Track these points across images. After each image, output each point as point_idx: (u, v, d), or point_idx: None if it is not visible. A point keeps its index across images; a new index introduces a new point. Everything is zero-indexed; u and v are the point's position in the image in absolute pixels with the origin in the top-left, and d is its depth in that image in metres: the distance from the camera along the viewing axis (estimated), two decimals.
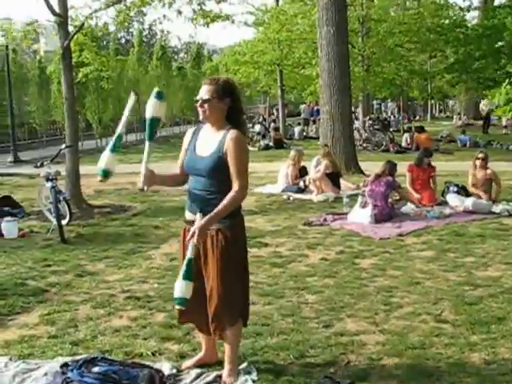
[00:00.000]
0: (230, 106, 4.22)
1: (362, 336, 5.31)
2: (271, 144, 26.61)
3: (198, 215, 4.09)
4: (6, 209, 11.78)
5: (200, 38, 75.98)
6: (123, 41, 64.83)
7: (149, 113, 4.13)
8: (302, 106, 40.30)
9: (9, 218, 10.33)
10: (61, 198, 10.30)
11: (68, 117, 11.83)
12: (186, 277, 4.07)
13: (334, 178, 13.09)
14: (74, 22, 11.72)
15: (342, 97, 16.38)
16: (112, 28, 14.58)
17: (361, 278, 7.01)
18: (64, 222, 10.45)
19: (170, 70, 35.80)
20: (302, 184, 13.50)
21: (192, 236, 4.04)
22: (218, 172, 4.14)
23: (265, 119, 39.58)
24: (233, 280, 4.23)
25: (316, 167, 13.56)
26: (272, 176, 15.69)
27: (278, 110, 35.48)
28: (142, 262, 7.94)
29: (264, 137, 28.28)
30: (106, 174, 4.10)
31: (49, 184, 10.16)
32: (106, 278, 7.27)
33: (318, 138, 23.50)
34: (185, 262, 4.13)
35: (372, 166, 16.93)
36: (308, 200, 12.59)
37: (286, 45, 27.41)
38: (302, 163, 14.19)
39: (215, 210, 4.07)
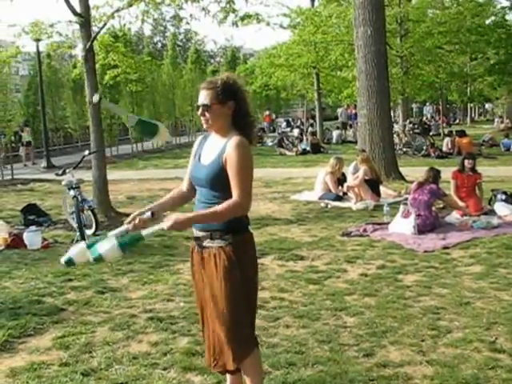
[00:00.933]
0: (235, 109, 3.69)
1: (407, 368, 4.70)
2: (308, 148, 25.99)
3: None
4: (32, 217, 11.44)
5: (236, 42, 75.83)
6: (159, 45, 64.80)
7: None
8: (340, 110, 39.58)
9: (31, 228, 9.94)
10: (85, 207, 9.87)
11: (92, 121, 11.37)
12: (121, 243, 3.61)
13: (373, 184, 12.44)
14: (98, 22, 11.22)
15: (381, 99, 15.69)
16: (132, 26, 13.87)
17: (404, 298, 6.38)
18: (90, 232, 10.05)
19: (204, 73, 35.49)
20: (340, 191, 12.89)
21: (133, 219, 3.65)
22: (218, 182, 3.60)
23: (302, 123, 39.06)
24: (239, 307, 3.66)
25: (354, 173, 12.93)
26: (309, 182, 15.12)
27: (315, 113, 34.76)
28: (169, 277, 7.42)
29: (301, 141, 27.68)
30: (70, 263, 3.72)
31: (71, 192, 9.73)
32: (128, 295, 6.77)
33: (356, 142, 22.89)
34: (134, 233, 3.67)
35: (413, 171, 16.27)
36: (347, 208, 11.97)
37: (321, 47, 26.76)
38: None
39: (202, 211, 3.60)
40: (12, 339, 5.54)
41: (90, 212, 10.09)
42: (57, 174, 10.53)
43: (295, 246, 8.88)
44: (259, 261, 8.01)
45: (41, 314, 6.14)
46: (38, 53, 22.09)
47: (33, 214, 11.59)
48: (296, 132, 30.18)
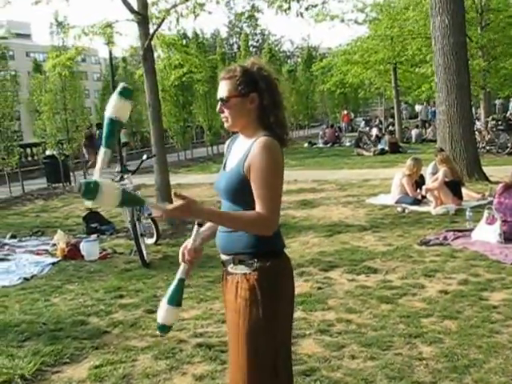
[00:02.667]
0: (260, 103, 2.99)
1: None
2: (386, 148, 24.97)
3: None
4: (94, 225, 11.07)
5: (313, 42, 75.01)
6: (235, 47, 64.68)
7: (108, 111, 2.94)
8: (419, 107, 38.25)
9: (89, 238, 9.52)
10: (145, 215, 9.35)
11: (153, 124, 10.85)
12: (170, 300, 3.02)
13: (454, 186, 11.46)
14: (156, 19, 10.69)
15: (461, 95, 14.62)
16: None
17: (491, 321, 5.50)
18: (151, 242, 9.57)
19: (279, 73, 34.84)
20: (418, 194, 11.98)
21: (183, 255, 3.04)
22: (239, 195, 2.92)
23: (381, 122, 37.95)
24: (260, 353, 2.91)
25: (433, 175, 11.99)
26: (386, 184, 14.24)
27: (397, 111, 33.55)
28: None
29: (379, 141, 26.67)
30: (164, 329, 3.15)
31: None
32: (181, 315, 6.14)
33: (436, 141, 21.77)
34: (174, 282, 3.06)
35: (497, 171, 15.17)
36: (425, 213, 11.04)
37: (398, 42, 25.63)
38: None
39: (218, 213, 2.87)
40: (45, 368, 5.02)
41: (150, 220, 9.58)
42: (112, 180, 10.04)
43: (368, 256, 8.08)
44: (327, 274, 7.36)
45: (82, 338, 5.59)
46: (111, 56, 21.88)
47: (95, 222, 11.21)
48: (374, 131, 29.15)
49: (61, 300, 6.97)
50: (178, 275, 3.02)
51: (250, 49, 48.57)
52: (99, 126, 26.36)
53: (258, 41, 71.03)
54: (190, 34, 26.22)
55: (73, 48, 11.87)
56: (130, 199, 2.84)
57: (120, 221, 11.57)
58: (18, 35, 71.77)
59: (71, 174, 20.27)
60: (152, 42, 11.03)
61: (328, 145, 31.11)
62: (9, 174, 18.46)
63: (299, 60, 48.94)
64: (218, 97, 2.99)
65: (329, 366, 4.68)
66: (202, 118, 25.68)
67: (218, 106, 2.99)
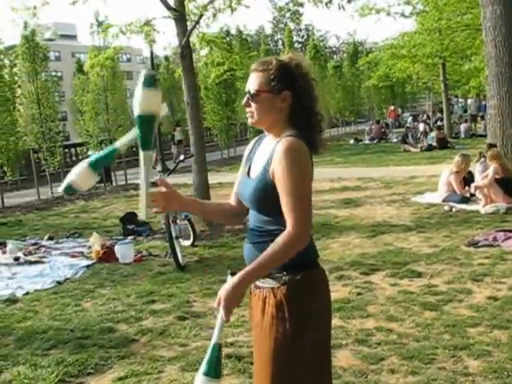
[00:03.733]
0: (293, 103, 2.66)
1: None
2: (434, 144, 24.30)
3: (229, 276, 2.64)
4: (131, 227, 10.87)
5: (359, 36, 74.14)
6: (280, 43, 64.36)
7: (135, 109, 2.51)
8: (469, 101, 37.37)
9: (124, 241, 9.32)
10: (182, 216, 9.09)
11: (191, 123, 10.57)
12: (207, 371, 2.57)
13: (505, 184, 10.91)
14: (194, 15, 10.42)
15: None
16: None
17: None
18: (187, 243, 9.33)
19: (325, 69, 34.37)
20: (466, 192, 11.49)
21: (218, 304, 2.61)
22: (267, 203, 2.61)
23: (429, 117, 37.18)
24: (286, 376, 2.59)
25: (483, 172, 11.47)
26: (433, 182, 13.76)
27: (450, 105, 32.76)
28: None
29: (426, 136, 26.01)
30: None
31: None
32: (212, 323, 5.82)
33: (486, 137, 21.10)
34: (209, 349, 2.62)
35: None
36: (474, 212, 10.55)
37: (446, 34, 24.88)
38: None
39: (253, 263, 2.53)
40: (68, 378, 4.79)
41: (186, 222, 9.33)
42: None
43: (412, 259, 7.67)
44: (368, 278, 6.97)
45: (108, 346, 5.34)
46: (151, 55, 21.77)
47: (132, 224, 11.01)
48: (421, 127, 28.47)
49: (91, 305, 6.76)
50: (214, 339, 2.61)
51: (295, 45, 48.17)
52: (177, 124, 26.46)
53: (302, 36, 70.43)
54: (233, 32, 25.93)
55: (111, 47, 11.69)
56: (215, 363, 2.57)
57: (157, 222, 11.35)
58: (64, 36, 72.84)
59: (112, 174, 20.21)
60: (191, 40, 10.80)
61: (374, 141, 30.51)
62: (52, 174, 18.49)
63: (345, 55, 48.34)
64: (247, 89, 2.70)
65: (365, 382, 4.34)
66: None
67: (245, 100, 2.69)
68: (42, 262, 9.17)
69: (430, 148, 23.95)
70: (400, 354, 4.74)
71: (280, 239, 2.48)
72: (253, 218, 2.71)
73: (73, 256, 9.43)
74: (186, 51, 10.30)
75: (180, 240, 9.01)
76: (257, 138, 2.90)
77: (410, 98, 49.86)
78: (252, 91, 2.66)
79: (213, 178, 18.49)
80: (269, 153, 2.62)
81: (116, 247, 8.91)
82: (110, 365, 4.99)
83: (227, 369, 4.70)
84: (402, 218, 10.51)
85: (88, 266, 8.72)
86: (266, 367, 2.61)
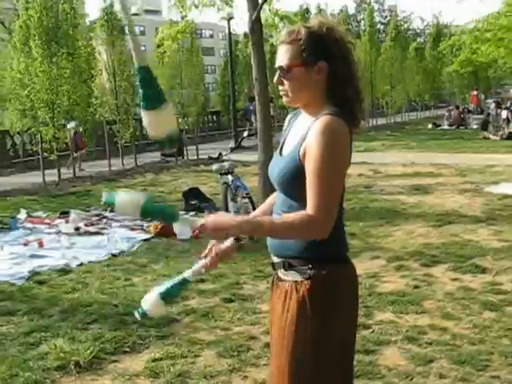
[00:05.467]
0: (330, 74, 2.36)
1: None
2: None
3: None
4: (194, 202, 10.79)
5: (445, 19, 72.03)
6: (363, 23, 63.18)
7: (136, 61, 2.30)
8: None
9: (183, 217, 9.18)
10: (243, 194, 8.90)
11: (258, 100, 10.33)
12: (164, 296, 2.59)
13: None
14: None
15: None
16: None
17: None
18: None
19: (405, 51, 33.44)
20: None
21: (209, 250, 2.62)
22: (295, 186, 2.33)
23: None
24: (305, 378, 2.35)
25: None
26: (511, 171, 13.17)
27: None
28: None
29: (509, 124, 24.97)
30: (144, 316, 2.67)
31: (222, 179, 8.85)
32: (258, 307, 5.65)
33: None
34: (178, 277, 2.61)
35: None
36: None
37: None
38: None
39: (260, 222, 2.32)
40: (104, 355, 4.67)
41: (247, 200, 9.12)
42: (210, 158, 9.72)
43: (478, 253, 7.23)
44: (428, 270, 6.60)
45: (148, 325, 5.20)
46: (229, 31, 21.67)
47: (195, 199, 10.93)
48: (504, 114, 27.36)
49: (141, 280, 6.67)
50: (186, 273, 2.54)
51: (377, 26, 47.10)
52: (251, 99, 26.34)
53: (385, 17, 68.95)
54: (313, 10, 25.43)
55: (183, 21, 11.57)
56: (173, 293, 2.58)
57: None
58: (149, 11, 73.62)
59: (185, 148, 20.22)
60: (263, 16, 10.56)
61: (453, 127, 29.59)
62: (124, 146, 18.67)
63: (428, 38, 46.97)
64: (277, 65, 2.41)
65: None
66: None
67: (276, 77, 2.41)
68: (102, 234, 9.17)
69: (511, 137, 23.00)
70: (451, 356, 4.40)
71: (297, 219, 2.22)
72: (279, 201, 2.45)
73: (132, 229, 9.39)
74: (256, 26, 10.06)
75: None
76: (292, 113, 2.62)
77: (494, 84, 48.12)
78: (283, 66, 2.38)
79: None
80: (303, 131, 2.35)
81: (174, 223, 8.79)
82: (148, 344, 4.86)
83: (265, 359, 4.46)
84: (473, 208, 10.02)
85: (145, 240, 8.66)
86: (283, 371, 2.37)
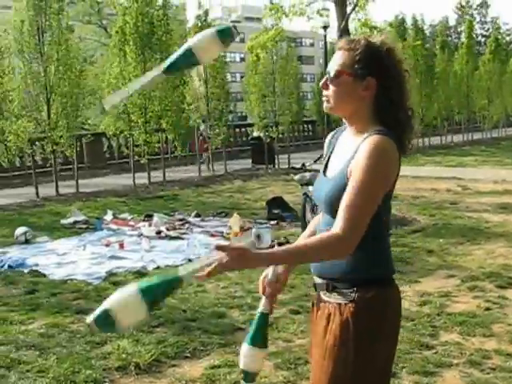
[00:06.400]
0: (379, 93, 2.31)
1: None
2: None
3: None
4: (276, 211, 10.83)
5: None
6: (463, 35, 61.72)
7: (191, 42, 2.24)
8: None
9: (261, 225, 9.29)
10: None
11: None
12: (252, 340, 2.40)
13: None
14: None
15: None
16: None
17: None
18: None
19: (505, 64, 32.38)
20: None
21: (263, 287, 2.48)
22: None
23: None
24: None
25: None
26: None
27: None
28: None
29: None
30: (247, 379, 2.46)
31: (303, 189, 8.86)
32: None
33: None
34: (256, 317, 2.44)
35: None
36: None
37: None
38: None
39: (286, 249, 2.24)
40: (164, 359, 4.77)
41: None
42: (293, 168, 9.76)
43: None
44: (503, 292, 6.36)
45: (212, 332, 5.27)
46: (325, 40, 21.67)
47: (278, 208, 10.96)
48: None
49: (213, 287, 6.74)
50: (260, 309, 2.44)
51: (478, 38, 45.88)
52: None
53: (487, 30, 67.03)
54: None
55: (272, 29, 11.67)
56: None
57: None
58: (249, 18, 74.42)
59: (276, 156, 20.33)
60: (352, 26, 10.53)
61: None
62: (215, 152, 18.96)
63: None
64: (328, 69, 2.40)
65: None
66: (415, 107, 24.50)
67: (323, 80, 2.38)
68: (182, 238, 9.35)
69: None
70: None
71: (325, 239, 2.16)
72: (324, 222, 2.38)
73: (212, 235, 9.53)
74: (344, 35, 10.02)
75: None
76: (333, 132, 2.59)
77: None
78: (332, 72, 2.34)
79: None
80: (351, 152, 2.29)
81: (253, 231, 8.87)
82: (209, 351, 4.92)
83: None
84: None
85: None
86: None
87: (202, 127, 18.96)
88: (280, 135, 20.61)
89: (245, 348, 2.42)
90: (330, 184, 2.33)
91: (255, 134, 21.57)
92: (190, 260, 7.97)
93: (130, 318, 2.09)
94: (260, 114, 19.66)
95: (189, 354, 4.86)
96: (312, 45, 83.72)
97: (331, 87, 2.34)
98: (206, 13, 17.62)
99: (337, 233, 2.14)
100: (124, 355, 4.74)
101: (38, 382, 4.36)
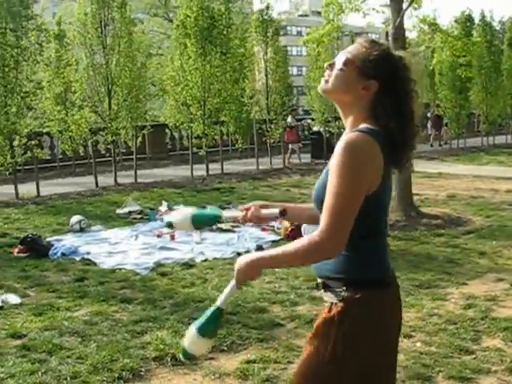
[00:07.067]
0: (376, 98, 2.29)
1: None
2: None
3: None
4: None
5: None
6: None
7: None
8: None
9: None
10: None
11: None
12: (203, 331, 2.35)
13: None
14: None
15: None
16: None
17: None
18: None
19: None
20: None
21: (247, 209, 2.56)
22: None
23: None
24: None
25: None
26: None
27: None
28: (428, 303, 6.01)
29: None
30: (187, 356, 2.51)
31: None
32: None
33: None
34: (211, 308, 2.39)
35: None
36: None
37: None
38: None
39: (270, 253, 2.31)
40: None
41: None
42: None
43: None
44: None
45: (251, 327, 5.31)
46: (387, 35, 21.30)
47: None
48: None
49: (258, 282, 6.72)
50: (218, 302, 2.39)
51: None
52: (426, 106, 26.25)
53: None
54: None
55: (328, 24, 11.59)
56: (208, 326, 2.38)
57: None
58: (316, 13, 74.05)
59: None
60: (409, 22, 10.39)
61: None
62: (273, 145, 18.96)
63: None
64: (339, 54, 2.39)
65: None
66: (479, 104, 23.91)
67: (332, 61, 2.39)
68: (233, 231, 9.39)
69: None
70: None
71: (305, 241, 2.15)
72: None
73: (263, 229, 9.54)
74: (398, 32, 9.90)
75: None
76: None
77: None
78: (343, 57, 2.34)
79: (434, 168, 17.85)
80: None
81: (303, 226, 8.83)
82: (246, 346, 4.95)
83: None
84: None
85: (273, 242, 8.76)
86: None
87: (289, 119, 19.27)
88: (339, 130, 20.46)
89: (193, 334, 2.39)
90: (317, 183, 2.34)
91: (315, 128, 21.46)
92: (239, 254, 8.02)
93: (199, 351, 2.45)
94: (320, 109, 19.53)
95: (226, 348, 4.89)
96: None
97: (335, 71, 2.33)
98: (268, 7, 17.61)
99: (318, 237, 2.12)
100: (162, 346, 4.82)
101: (77, 367, 4.48)
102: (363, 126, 2.26)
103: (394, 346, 2.39)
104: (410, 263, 7.50)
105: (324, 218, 2.12)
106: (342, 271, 2.27)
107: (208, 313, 2.38)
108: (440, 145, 25.51)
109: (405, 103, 2.30)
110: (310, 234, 2.15)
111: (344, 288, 2.26)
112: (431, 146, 25.02)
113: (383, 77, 2.28)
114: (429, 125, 25.94)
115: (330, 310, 2.28)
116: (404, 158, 2.33)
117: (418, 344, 5.00)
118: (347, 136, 2.21)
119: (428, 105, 26.53)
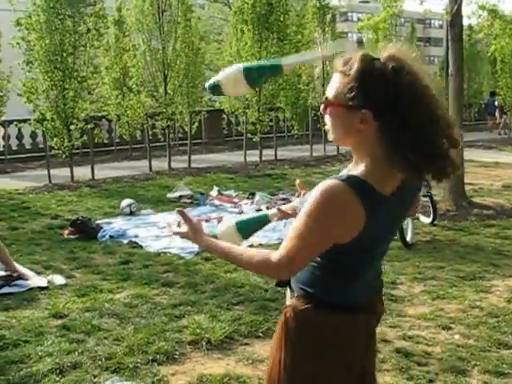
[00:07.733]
0: (384, 129, 1.94)
1: None
2: None
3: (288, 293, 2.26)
4: None
5: None
6: None
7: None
8: None
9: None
10: (424, 192, 8.68)
11: (453, 96, 9.90)
12: (241, 226, 2.47)
13: None
14: None
15: None
16: None
17: None
18: (427, 221, 8.91)
19: None
20: None
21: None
22: None
23: None
24: None
25: None
26: None
27: None
28: (471, 295, 5.92)
29: None
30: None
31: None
32: (404, 310, 5.53)
33: None
34: (260, 214, 2.57)
35: None
36: None
37: None
38: None
39: (223, 247, 2.18)
40: (237, 337, 4.89)
41: (427, 198, 8.89)
42: None
43: None
44: None
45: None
46: (447, 21, 20.88)
47: None
48: None
49: None
50: (270, 211, 2.50)
51: None
52: (492, 94, 25.81)
53: None
54: None
55: (384, 11, 11.46)
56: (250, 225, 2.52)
57: None
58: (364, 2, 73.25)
59: None
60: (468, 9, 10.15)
61: None
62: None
63: None
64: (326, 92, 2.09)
65: None
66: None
67: (322, 106, 2.08)
68: None
69: None
70: None
71: (260, 256, 2.06)
72: None
73: None
74: (456, 19, 9.69)
75: (420, 216, 8.76)
76: None
77: None
78: (325, 98, 2.04)
79: (491, 157, 17.45)
80: None
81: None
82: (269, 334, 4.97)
83: (390, 364, 4.41)
84: None
85: None
86: None
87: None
88: None
89: (232, 225, 2.47)
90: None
91: None
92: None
93: (233, 88, 2.48)
94: None
95: (261, 334, 4.93)
96: (441, 26, 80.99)
97: (326, 116, 2.06)
98: None
99: (276, 258, 2.00)
100: (198, 330, 4.88)
101: (113, 349, 4.57)
102: (353, 173, 2.01)
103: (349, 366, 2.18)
104: (457, 254, 7.39)
105: (286, 244, 2.01)
106: (307, 282, 2.14)
107: (253, 215, 2.50)
108: (500, 133, 25.05)
109: (410, 112, 1.91)
110: (272, 252, 2.03)
111: (295, 294, 2.18)
112: (499, 134, 24.70)
113: (372, 101, 1.94)
114: (497, 113, 25.57)
115: (284, 313, 2.19)
116: (441, 168, 1.98)
117: (457, 336, 4.94)
118: (325, 182, 1.97)
119: (494, 93, 25.97)
